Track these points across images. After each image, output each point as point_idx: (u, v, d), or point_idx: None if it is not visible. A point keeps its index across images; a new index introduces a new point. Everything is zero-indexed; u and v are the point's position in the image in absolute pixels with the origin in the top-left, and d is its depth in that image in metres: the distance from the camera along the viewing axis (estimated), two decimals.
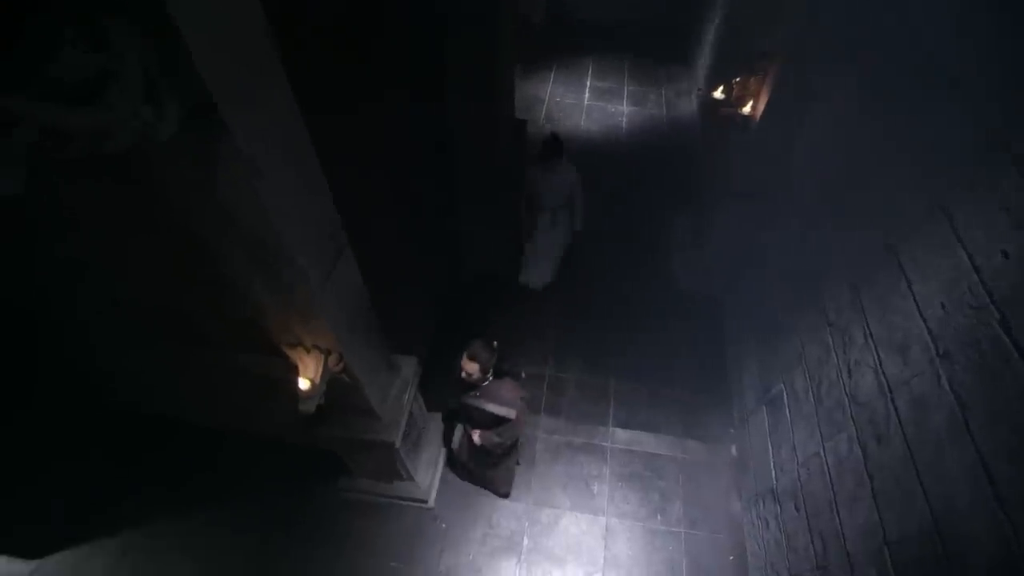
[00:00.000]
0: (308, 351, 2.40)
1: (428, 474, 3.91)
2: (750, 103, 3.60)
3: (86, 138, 1.28)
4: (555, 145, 4.32)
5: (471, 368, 2.90)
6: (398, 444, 3.13)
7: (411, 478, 3.75)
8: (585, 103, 7.68)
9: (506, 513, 3.99)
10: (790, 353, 3.45)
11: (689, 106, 7.60)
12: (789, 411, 3.36)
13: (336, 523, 3.88)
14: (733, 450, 4.37)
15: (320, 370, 2.39)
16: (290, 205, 1.81)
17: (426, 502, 3.88)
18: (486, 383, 3.00)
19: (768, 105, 3.51)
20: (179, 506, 3.90)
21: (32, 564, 3.69)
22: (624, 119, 7.41)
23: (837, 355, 2.75)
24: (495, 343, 3.01)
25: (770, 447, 3.60)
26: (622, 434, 4.45)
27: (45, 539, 3.72)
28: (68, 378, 3.64)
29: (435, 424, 4.13)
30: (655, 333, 5.05)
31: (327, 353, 2.41)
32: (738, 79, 3.69)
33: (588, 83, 8.02)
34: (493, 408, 3.00)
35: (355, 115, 2.97)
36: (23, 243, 2.50)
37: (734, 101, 3.71)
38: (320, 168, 2.01)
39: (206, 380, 3.26)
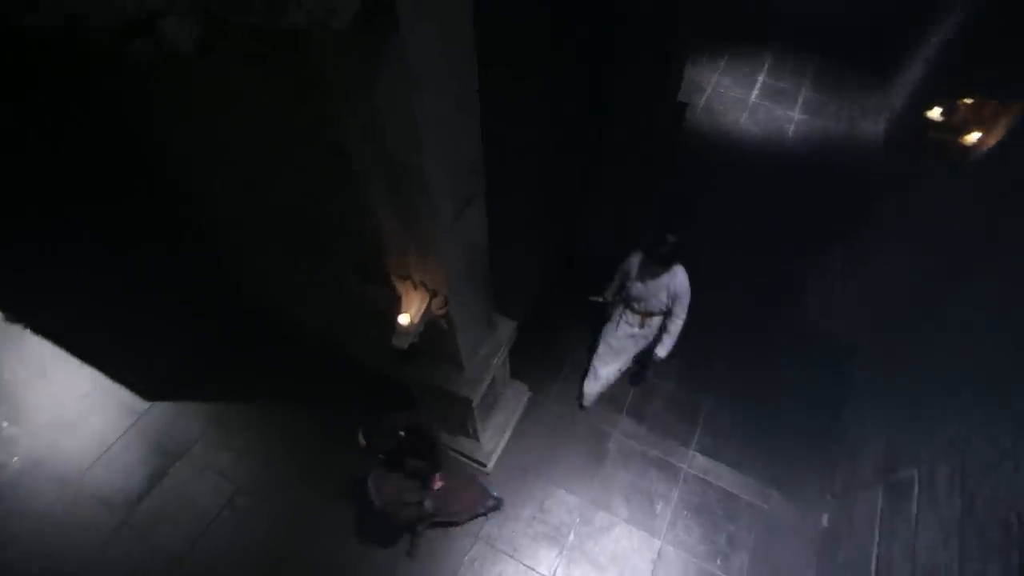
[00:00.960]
0: (415, 287, 2.33)
1: (494, 440, 3.83)
2: (977, 133, 2.94)
3: (265, 8, 1.20)
4: (673, 250, 3.19)
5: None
6: (476, 403, 3.05)
7: (476, 438, 3.69)
8: (752, 100, 6.95)
9: (559, 503, 3.83)
10: (939, 437, 2.88)
11: (874, 127, 6.61)
12: (917, 505, 2.83)
13: None
14: (825, 520, 3.84)
15: (422, 309, 2.32)
16: (441, 129, 1.68)
17: (485, 466, 3.82)
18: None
19: (1005, 140, 2.85)
20: (274, 395, 4.18)
21: (146, 405, 4.15)
22: (792, 126, 6.62)
23: (1018, 464, 2.20)
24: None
25: (877, 536, 3.09)
26: (702, 461, 4.08)
27: (159, 389, 4.17)
28: (211, 272, 3.98)
29: (514, 392, 4.02)
30: (768, 365, 4.54)
31: (433, 294, 2.32)
32: (968, 100, 3.03)
33: (760, 79, 7.24)
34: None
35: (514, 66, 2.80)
36: (185, 138, 2.65)
37: (954, 126, 3.05)
38: (477, 101, 1.86)
39: (318, 292, 3.37)
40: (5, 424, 4.15)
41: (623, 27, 3.49)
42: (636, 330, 3.83)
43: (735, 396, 4.37)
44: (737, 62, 7.45)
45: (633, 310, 3.73)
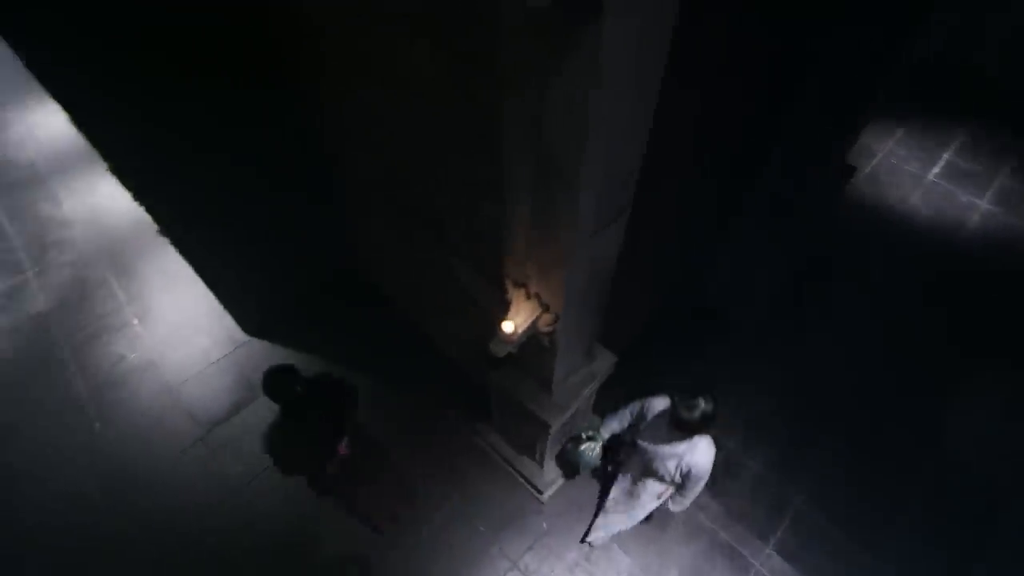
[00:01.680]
0: (528, 297, 2.18)
1: (556, 471, 3.61)
2: None
3: None
4: (702, 419, 2.33)
5: None
6: (553, 430, 2.85)
7: (540, 463, 3.49)
8: (929, 178, 6.10)
9: (608, 559, 3.51)
10: None
11: None
12: None
13: (455, 457, 3.85)
14: None
15: (529, 322, 2.16)
16: (609, 135, 1.51)
17: (542, 494, 3.60)
18: None
19: None
20: (358, 357, 4.23)
21: (246, 338, 4.40)
22: (976, 217, 5.70)
23: None
24: None
25: None
26: (779, 564, 3.56)
27: (260, 326, 4.41)
28: (331, 228, 4.14)
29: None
30: (882, 480, 3.89)
31: (545, 308, 2.16)
32: None
33: (945, 156, 6.34)
34: None
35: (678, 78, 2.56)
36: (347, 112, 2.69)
37: None
38: (652, 111, 1.67)
39: (423, 271, 3.35)
40: (136, 321, 4.59)
41: (812, 65, 3.12)
42: (623, 499, 3.10)
43: (835, 502, 3.78)
44: (921, 131, 6.58)
45: (626, 466, 2.96)
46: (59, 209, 5.63)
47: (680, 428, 2.40)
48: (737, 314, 4.47)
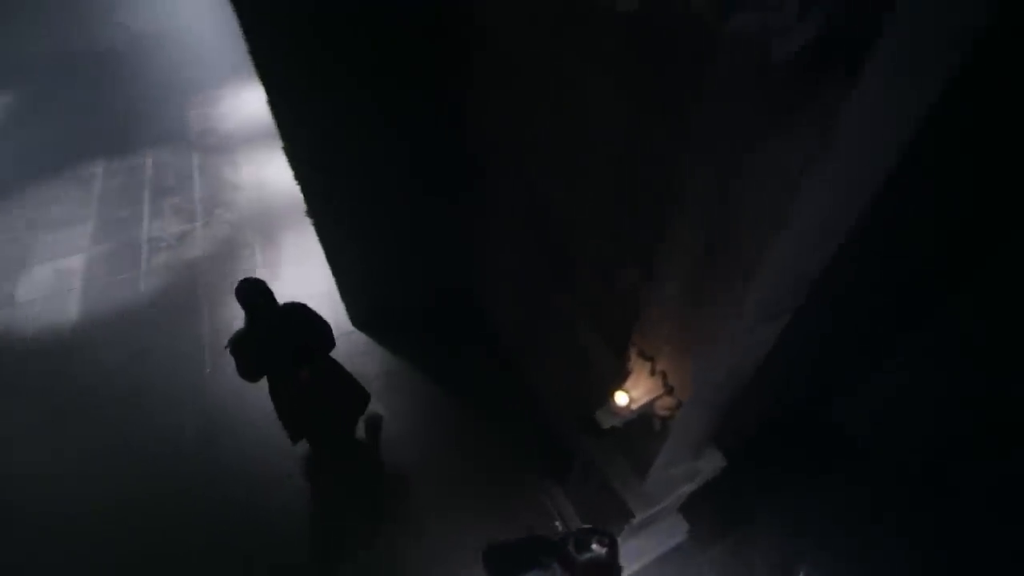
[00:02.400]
0: (652, 374, 1.94)
1: (623, 561, 3.20)
2: None
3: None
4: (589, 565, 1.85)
5: None
6: (635, 521, 2.51)
7: None
8: None
9: None
10: None
11: None
12: None
13: (513, 502, 3.61)
14: None
15: (647, 399, 1.91)
16: (813, 217, 1.27)
17: None
18: None
19: None
20: (447, 384, 4.22)
21: (350, 329, 4.55)
22: None
23: None
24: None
25: None
26: None
27: (366, 322, 4.53)
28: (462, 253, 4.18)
29: (671, 524, 3.33)
30: None
31: (668, 390, 1.90)
32: None
33: None
34: None
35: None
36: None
37: None
38: (870, 194, 1.39)
39: (541, 317, 3.22)
40: None
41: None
42: None
43: None
44: None
45: None
46: (236, 174, 6.34)
47: (565, 566, 1.93)
48: (874, 444, 3.79)
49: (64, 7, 8.64)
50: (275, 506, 3.60)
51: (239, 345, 2.94)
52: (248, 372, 3.02)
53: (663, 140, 1.62)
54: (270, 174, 6.24)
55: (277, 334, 2.99)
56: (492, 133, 3.09)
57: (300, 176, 3.36)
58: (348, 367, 4.21)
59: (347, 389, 3.50)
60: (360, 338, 4.48)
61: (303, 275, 5.00)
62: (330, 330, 3.23)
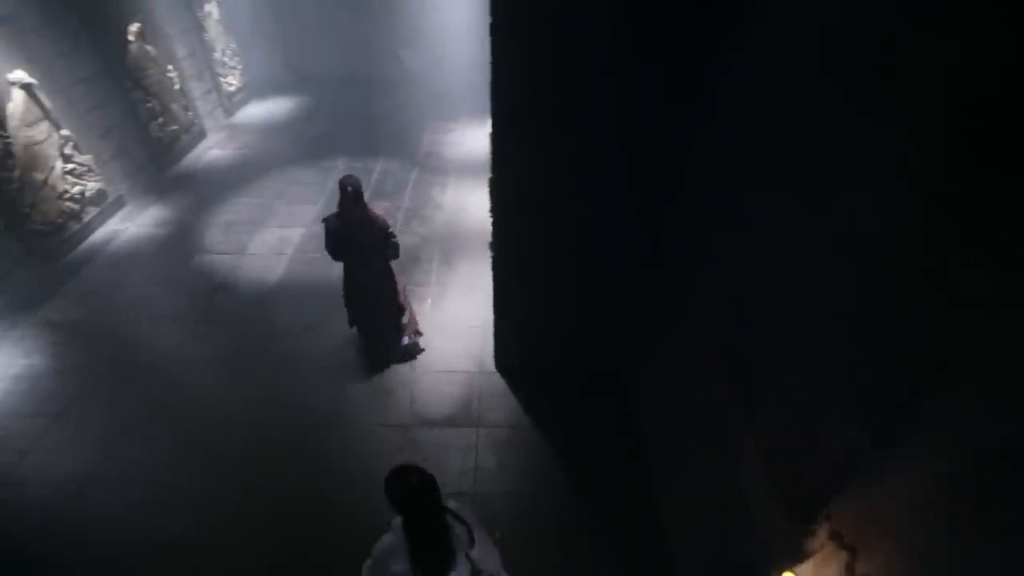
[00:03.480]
0: (847, 572, 1.39)
1: None
2: None
3: None
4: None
5: None
6: None
7: None
8: None
9: None
10: None
11: None
12: None
13: None
14: None
15: None
16: None
17: None
18: None
19: None
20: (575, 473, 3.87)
21: (491, 370, 4.46)
22: None
23: None
24: None
25: None
26: None
27: (511, 369, 4.41)
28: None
29: None
30: None
31: None
32: None
33: None
34: None
35: None
36: None
37: None
38: None
39: (698, 434, 2.74)
40: (429, 301, 5.17)
41: None
42: None
43: None
44: None
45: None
46: (442, 195, 6.91)
47: None
48: None
49: (357, 40, 10.60)
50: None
51: (328, 223, 3.76)
52: (329, 249, 3.88)
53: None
54: (469, 202, 6.66)
55: (356, 230, 3.76)
56: (710, 218, 2.78)
57: (496, 206, 3.40)
58: (475, 406, 4.14)
59: (392, 297, 4.25)
60: (498, 382, 4.36)
61: (466, 303, 5.11)
62: (395, 248, 3.98)
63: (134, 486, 3.62)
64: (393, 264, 4.15)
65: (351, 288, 4.12)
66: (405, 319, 4.43)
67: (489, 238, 3.69)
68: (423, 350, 4.61)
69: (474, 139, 8.28)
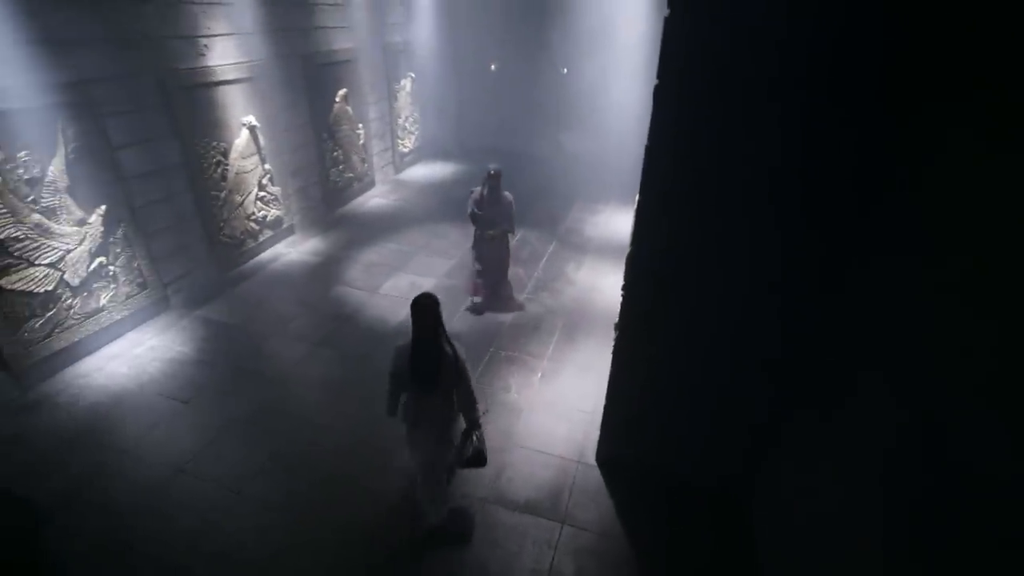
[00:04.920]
0: None
1: None
2: None
3: None
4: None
5: None
6: None
7: None
8: None
9: None
10: None
11: None
12: None
13: None
14: None
15: None
16: None
17: None
18: None
19: None
20: None
21: (592, 464, 3.96)
22: None
23: None
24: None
25: None
26: None
27: (608, 463, 3.86)
28: None
29: None
30: None
31: None
32: None
33: None
34: None
35: None
36: None
37: None
38: None
39: None
40: (540, 375, 4.87)
41: None
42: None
43: None
44: None
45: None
46: (575, 271, 6.77)
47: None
48: None
49: (522, 119, 11.40)
50: None
51: (474, 193, 5.57)
52: (470, 215, 5.59)
53: None
54: (602, 283, 6.41)
55: (489, 202, 5.48)
56: (888, 324, 2.19)
57: (630, 282, 3.09)
58: (565, 499, 3.63)
59: (504, 260, 5.84)
60: (595, 478, 3.82)
61: (579, 384, 4.73)
62: (512, 222, 5.64)
63: (217, 485, 3.68)
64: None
65: (479, 248, 5.68)
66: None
67: (615, 318, 3.37)
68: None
69: (619, 223, 8.16)
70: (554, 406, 4.47)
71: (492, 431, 4.18)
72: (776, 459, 3.16)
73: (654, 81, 2.49)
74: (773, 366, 2.98)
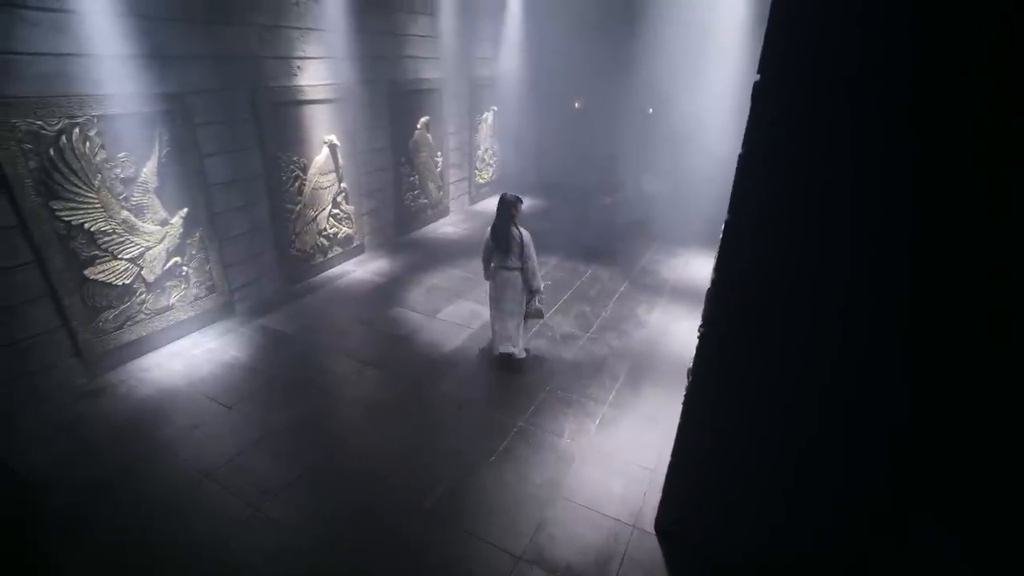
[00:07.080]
0: None
1: None
2: None
3: None
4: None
5: None
6: None
7: None
8: None
9: None
10: None
11: None
12: None
13: None
14: None
15: None
16: None
17: None
18: None
19: None
20: None
21: (650, 531, 3.38)
22: None
23: None
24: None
25: None
26: None
27: (668, 534, 3.26)
28: None
29: None
30: None
31: None
32: None
33: None
34: None
35: None
36: None
37: None
38: None
39: None
40: (597, 422, 4.37)
41: None
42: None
43: None
44: None
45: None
46: (647, 313, 6.23)
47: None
48: None
49: (603, 157, 11.14)
50: None
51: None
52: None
53: None
54: (675, 329, 5.83)
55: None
56: None
57: (708, 319, 2.61)
58: (614, 569, 3.07)
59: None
60: (652, 548, 3.23)
61: (641, 436, 4.17)
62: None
63: (239, 497, 3.47)
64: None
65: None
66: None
67: (687, 363, 2.88)
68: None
69: (699, 268, 7.55)
70: (611, 458, 3.94)
71: (537, 478, 3.72)
72: (888, 531, 2.47)
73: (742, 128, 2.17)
74: (899, 436, 2.35)
